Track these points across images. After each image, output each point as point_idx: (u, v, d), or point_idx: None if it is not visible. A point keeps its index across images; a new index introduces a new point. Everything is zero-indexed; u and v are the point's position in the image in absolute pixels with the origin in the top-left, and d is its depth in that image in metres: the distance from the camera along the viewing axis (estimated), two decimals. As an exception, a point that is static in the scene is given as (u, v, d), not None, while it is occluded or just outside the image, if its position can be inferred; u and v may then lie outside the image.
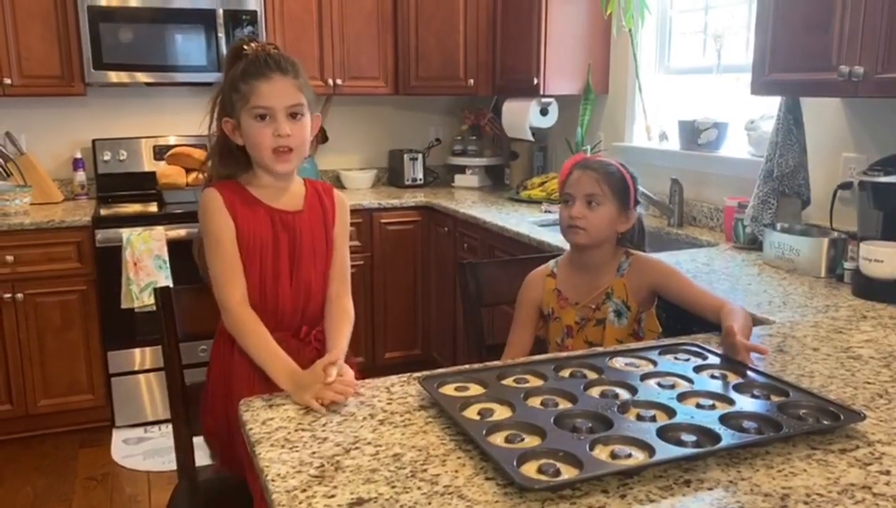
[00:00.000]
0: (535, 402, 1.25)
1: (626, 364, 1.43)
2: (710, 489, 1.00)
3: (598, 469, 1.01)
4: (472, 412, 1.20)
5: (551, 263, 1.88)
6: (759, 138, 2.67)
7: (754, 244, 2.50)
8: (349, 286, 1.70)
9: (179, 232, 3.34)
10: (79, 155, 3.76)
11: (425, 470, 1.05)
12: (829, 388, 1.35)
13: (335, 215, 1.68)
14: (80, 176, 3.74)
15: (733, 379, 1.34)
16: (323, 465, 1.07)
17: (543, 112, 3.67)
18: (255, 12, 3.57)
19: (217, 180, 1.62)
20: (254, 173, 1.62)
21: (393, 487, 1.01)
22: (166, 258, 3.25)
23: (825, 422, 1.16)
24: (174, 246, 3.28)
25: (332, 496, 0.99)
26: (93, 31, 3.35)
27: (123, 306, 3.22)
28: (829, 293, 2.00)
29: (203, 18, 3.51)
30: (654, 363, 1.43)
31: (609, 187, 1.74)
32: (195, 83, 3.72)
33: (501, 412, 1.21)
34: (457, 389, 1.31)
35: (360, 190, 4.12)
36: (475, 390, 1.30)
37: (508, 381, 1.34)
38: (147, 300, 3.18)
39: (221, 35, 3.53)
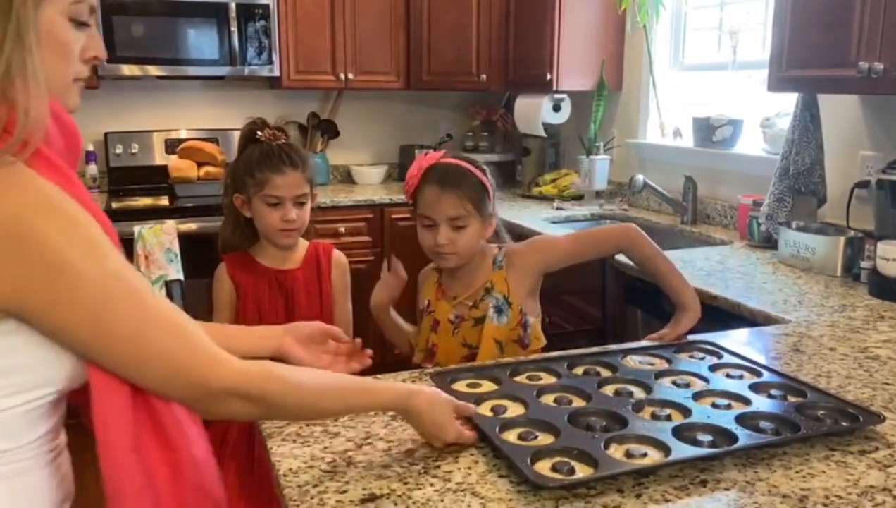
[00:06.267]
0: (548, 399, 1.24)
1: (641, 362, 1.41)
2: (726, 489, 0.99)
3: (614, 468, 1.00)
4: (485, 409, 1.19)
5: None
6: (774, 136, 2.65)
7: (769, 243, 2.48)
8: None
9: (191, 226, 3.34)
10: (91, 148, 3.76)
11: (438, 467, 1.04)
12: (847, 389, 1.33)
13: (330, 274, 1.88)
14: (92, 169, 3.75)
15: (749, 379, 1.33)
16: (335, 460, 1.06)
17: (556, 108, 3.65)
18: (267, 6, 3.56)
19: (230, 252, 1.85)
20: (261, 244, 1.84)
21: (405, 483, 1.00)
22: (177, 252, 3.25)
23: (844, 424, 1.15)
24: (185, 240, 3.28)
25: (345, 491, 0.98)
26: (105, 24, 3.34)
27: (134, 299, 3.22)
28: (845, 293, 1.98)
29: (215, 12, 3.50)
30: (669, 361, 1.42)
31: (472, 204, 1.57)
32: (207, 77, 3.72)
33: (514, 409, 1.20)
34: (469, 385, 1.30)
35: (370, 185, 4.11)
36: (488, 386, 1.30)
37: (521, 378, 1.34)
38: (158, 294, 3.18)
39: (234, 29, 3.53)
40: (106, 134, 3.74)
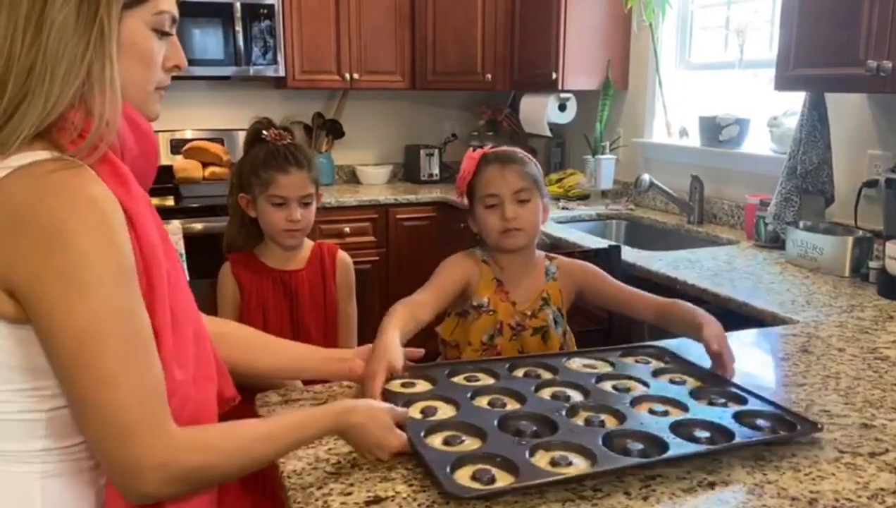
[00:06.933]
0: (482, 402, 1.19)
1: (584, 365, 1.37)
2: (734, 491, 0.98)
3: (534, 477, 0.96)
4: (414, 411, 1.15)
5: (477, 251, 1.68)
6: (781, 135, 2.63)
7: (776, 243, 2.46)
8: (354, 340, 1.89)
9: (196, 226, 3.33)
10: (96, 148, 3.76)
11: (443, 469, 1.03)
12: (856, 390, 1.32)
13: (335, 275, 1.87)
14: (98, 169, 3.75)
15: (692, 384, 1.28)
16: (339, 462, 1.06)
17: (562, 108, 3.64)
18: (272, 6, 3.56)
19: (234, 251, 1.84)
20: (266, 244, 1.84)
21: (410, 486, 0.99)
22: (183, 252, 3.24)
23: (781, 432, 1.10)
24: (190, 240, 3.27)
25: (349, 493, 0.97)
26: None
27: (140, 299, 3.22)
28: (853, 293, 1.97)
29: (220, 12, 3.49)
30: (613, 364, 1.37)
31: (531, 179, 1.60)
32: (212, 77, 3.72)
33: (445, 412, 1.16)
34: (403, 385, 1.26)
35: (375, 186, 4.11)
36: (422, 386, 1.26)
37: (459, 379, 1.29)
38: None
39: (239, 29, 3.52)
40: (111, 134, 3.74)
